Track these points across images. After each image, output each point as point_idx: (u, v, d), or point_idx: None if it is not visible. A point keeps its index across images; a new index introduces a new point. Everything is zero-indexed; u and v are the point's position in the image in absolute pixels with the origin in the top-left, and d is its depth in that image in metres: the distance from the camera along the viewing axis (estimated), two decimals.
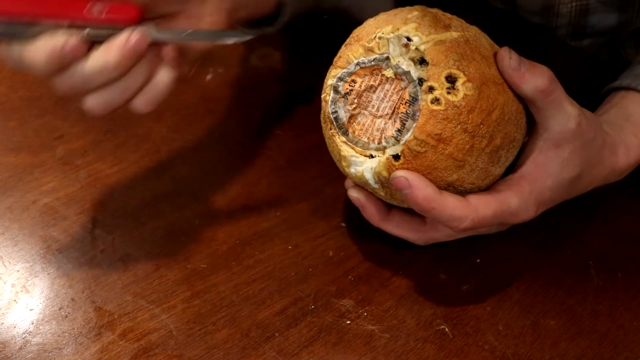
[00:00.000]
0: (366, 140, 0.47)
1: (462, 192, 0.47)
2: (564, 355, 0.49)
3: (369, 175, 0.48)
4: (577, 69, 0.73)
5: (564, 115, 0.48)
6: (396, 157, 0.46)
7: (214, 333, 0.49)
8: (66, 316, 0.50)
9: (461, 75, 0.44)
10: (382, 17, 0.49)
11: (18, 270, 0.53)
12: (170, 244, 0.55)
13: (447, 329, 0.50)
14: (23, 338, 0.49)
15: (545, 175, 0.49)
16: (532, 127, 0.50)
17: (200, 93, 0.69)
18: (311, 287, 0.52)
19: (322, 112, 0.50)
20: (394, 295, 0.52)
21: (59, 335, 0.49)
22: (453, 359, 0.49)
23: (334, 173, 0.54)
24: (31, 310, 0.50)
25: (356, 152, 0.48)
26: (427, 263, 0.54)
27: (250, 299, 0.51)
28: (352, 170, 0.48)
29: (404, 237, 0.52)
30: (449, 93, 0.44)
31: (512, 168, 0.50)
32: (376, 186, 0.48)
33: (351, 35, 0.50)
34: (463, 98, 0.44)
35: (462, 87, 0.44)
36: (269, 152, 0.63)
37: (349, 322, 0.50)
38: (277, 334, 0.49)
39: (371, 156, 0.47)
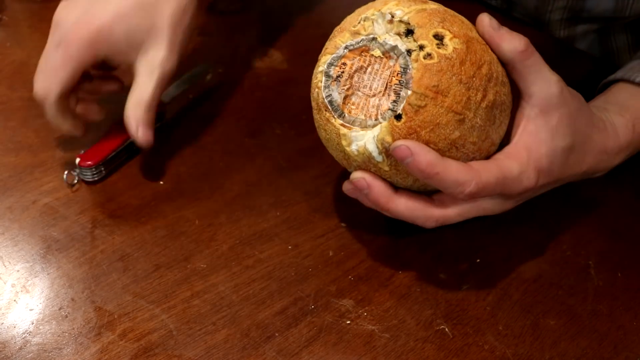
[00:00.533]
0: (363, 117, 0.48)
1: (465, 155, 0.48)
2: (564, 355, 0.49)
3: (372, 147, 0.47)
4: (574, 68, 0.73)
5: (545, 80, 0.49)
6: (398, 117, 0.46)
7: (214, 333, 0.49)
8: (66, 316, 0.50)
9: (447, 32, 0.47)
10: (360, 9, 0.51)
11: (18, 270, 0.53)
12: (170, 244, 0.55)
13: (447, 329, 0.50)
14: (23, 338, 0.49)
15: (538, 143, 0.49)
16: (516, 103, 0.51)
17: (200, 93, 0.69)
18: (311, 287, 0.52)
19: (314, 102, 0.50)
20: (394, 295, 0.52)
21: (59, 335, 0.49)
22: (453, 359, 0.49)
23: (334, 173, 0.55)
24: (31, 310, 0.50)
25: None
26: (427, 263, 0.54)
27: (250, 299, 0.51)
28: (354, 147, 0.48)
29: (413, 218, 0.50)
30: (439, 48, 0.46)
31: (506, 142, 0.51)
32: (380, 158, 0.47)
33: (335, 30, 0.51)
34: (453, 51, 0.46)
35: (450, 42, 0.46)
36: (269, 152, 0.63)
37: (349, 322, 0.50)
38: (277, 334, 0.49)
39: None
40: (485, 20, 0.48)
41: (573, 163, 0.52)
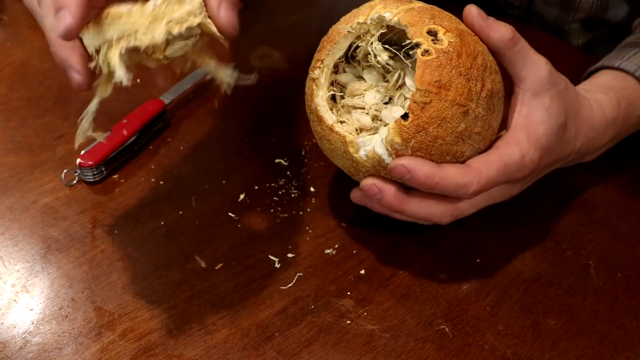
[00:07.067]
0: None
1: (472, 146, 0.48)
2: (564, 355, 0.49)
3: (381, 150, 0.47)
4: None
5: (533, 64, 0.51)
6: (405, 116, 0.46)
7: (214, 333, 0.49)
8: (66, 316, 0.50)
9: (439, 28, 0.47)
10: (346, 16, 0.51)
11: (18, 270, 0.53)
12: (170, 244, 0.55)
13: (447, 329, 0.50)
14: (23, 338, 0.49)
15: (535, 124, 0.50)
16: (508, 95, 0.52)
17: (200, 93, 0.69)
18: (311, 287, 0.52)
19: (312, 114, 0.51)
20: (394, 295, 0.52)
21: (59, 335, 0.49)
22: (453, 359, 0.49)
23: (334, 173, 0.55)
24: (31, 310, 0.50)
25: (364, 130, 0.49)
26: (427, 263, 0.54)
27: (250, 299, 0.51)
28: (362, 153, 0.48)
29: (428, 216, 0.50)
30: (434, 43, 0.47)
31: (503, 127, 0.52)
32: (390, 160, 0.47)
33: (322, 40, 0.52)
34: (449, 44, 0.47)
35: (445, 37, 0.47)
36: (269, 152, 0.63)
37: (349, 322, 0.50)
38: (277, 334, 0.49)
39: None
40: (474, 11, 0.49)
41: (568, 140, 0.53)
